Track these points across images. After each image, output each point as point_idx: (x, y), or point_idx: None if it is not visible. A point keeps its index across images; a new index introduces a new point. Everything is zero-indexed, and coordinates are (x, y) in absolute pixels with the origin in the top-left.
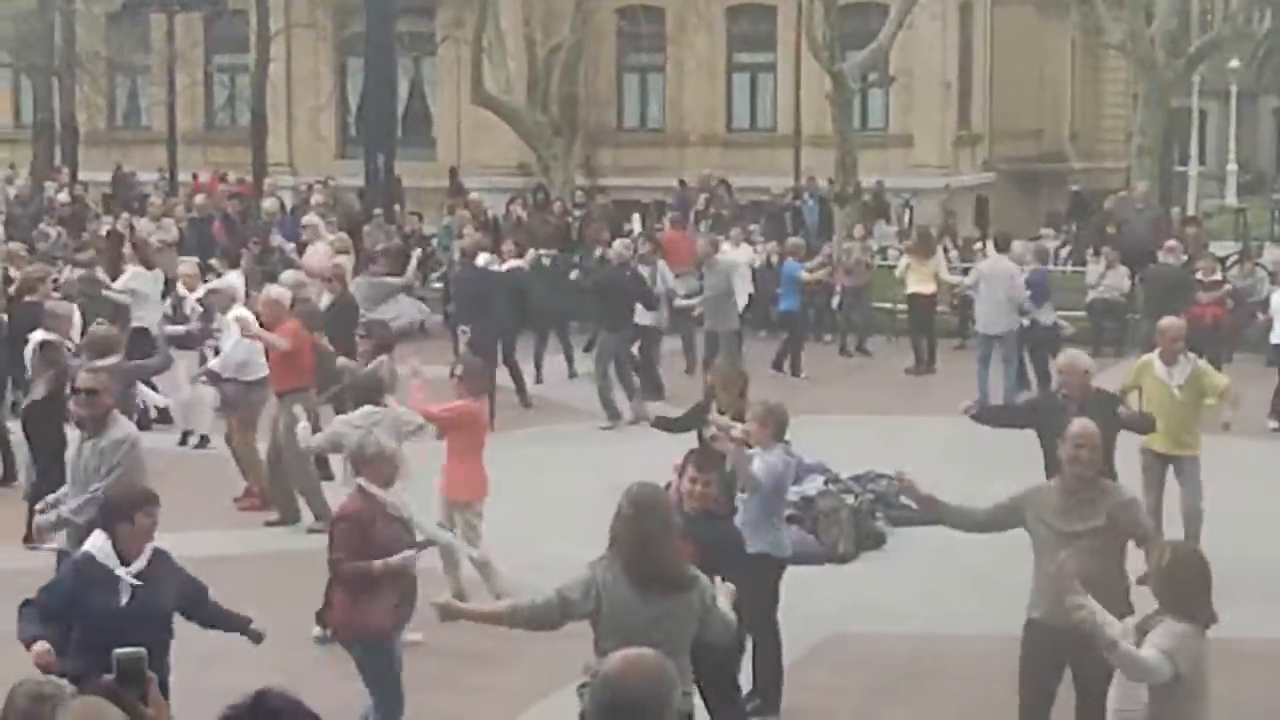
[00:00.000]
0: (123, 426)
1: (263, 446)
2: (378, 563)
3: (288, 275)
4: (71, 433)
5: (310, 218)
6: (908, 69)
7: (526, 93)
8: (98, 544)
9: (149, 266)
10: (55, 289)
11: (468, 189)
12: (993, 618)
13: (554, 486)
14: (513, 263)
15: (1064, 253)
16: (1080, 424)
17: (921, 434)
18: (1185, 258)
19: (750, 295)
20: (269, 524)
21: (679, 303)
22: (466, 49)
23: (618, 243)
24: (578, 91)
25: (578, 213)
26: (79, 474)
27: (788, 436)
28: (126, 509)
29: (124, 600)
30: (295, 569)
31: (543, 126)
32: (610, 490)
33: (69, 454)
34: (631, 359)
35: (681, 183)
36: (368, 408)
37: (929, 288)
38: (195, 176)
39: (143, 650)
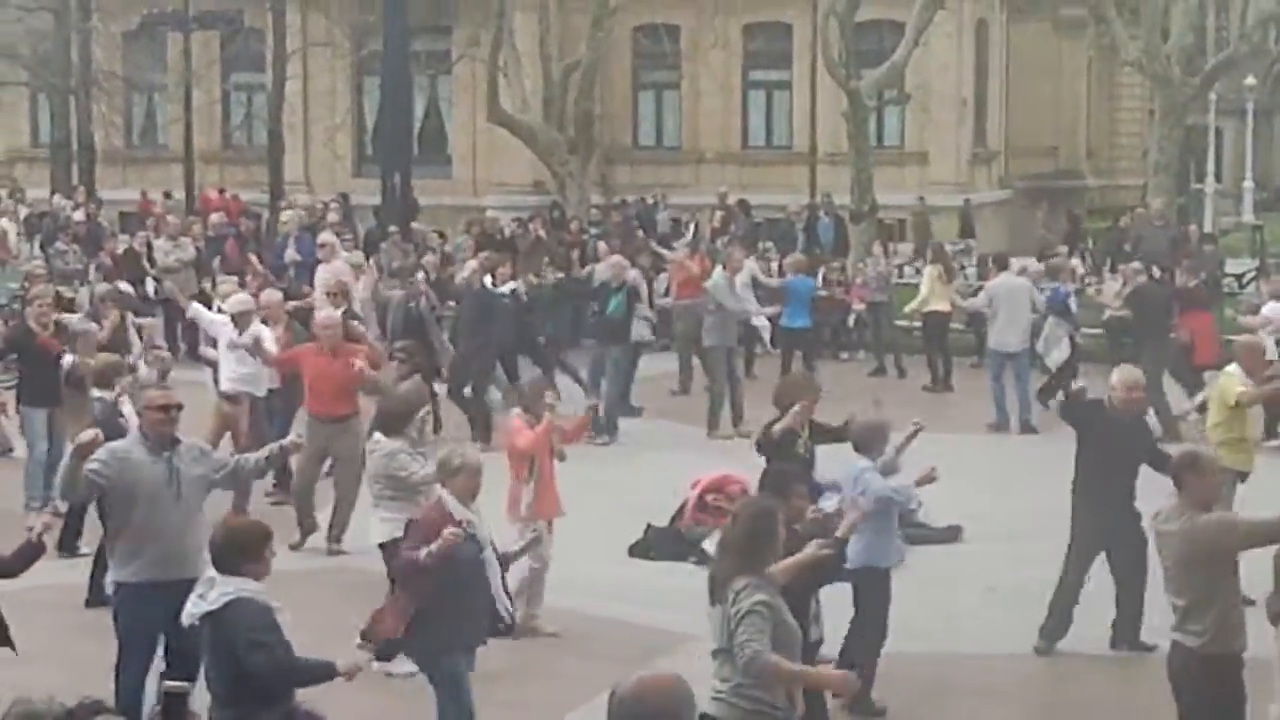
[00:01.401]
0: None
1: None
2: (422, 550)
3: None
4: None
5: (326, 235)
6: (924, 86)
7: (542, 111)
8: (250, 586)
9: None
10: (72, 308)
11: (484, 207)
12: (1012, 636)
13: (571, 506)
14: (511, 284)
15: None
16: None
17: (942, 451)
18: (1203, 276)
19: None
20: (292, 547)
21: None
22: (482, 67)
23: (614, 259)
24: (593, 109)
25: (593, 230)
26: (166, 491)
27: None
28: (258, 547)
29: None
30: (321, 584)
31: (558, 144)
32: (627, 508)
33: (145, 472)
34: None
35: (623, 200)
36: (377, 434)
37: (946, 305)
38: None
39: (189, 685)
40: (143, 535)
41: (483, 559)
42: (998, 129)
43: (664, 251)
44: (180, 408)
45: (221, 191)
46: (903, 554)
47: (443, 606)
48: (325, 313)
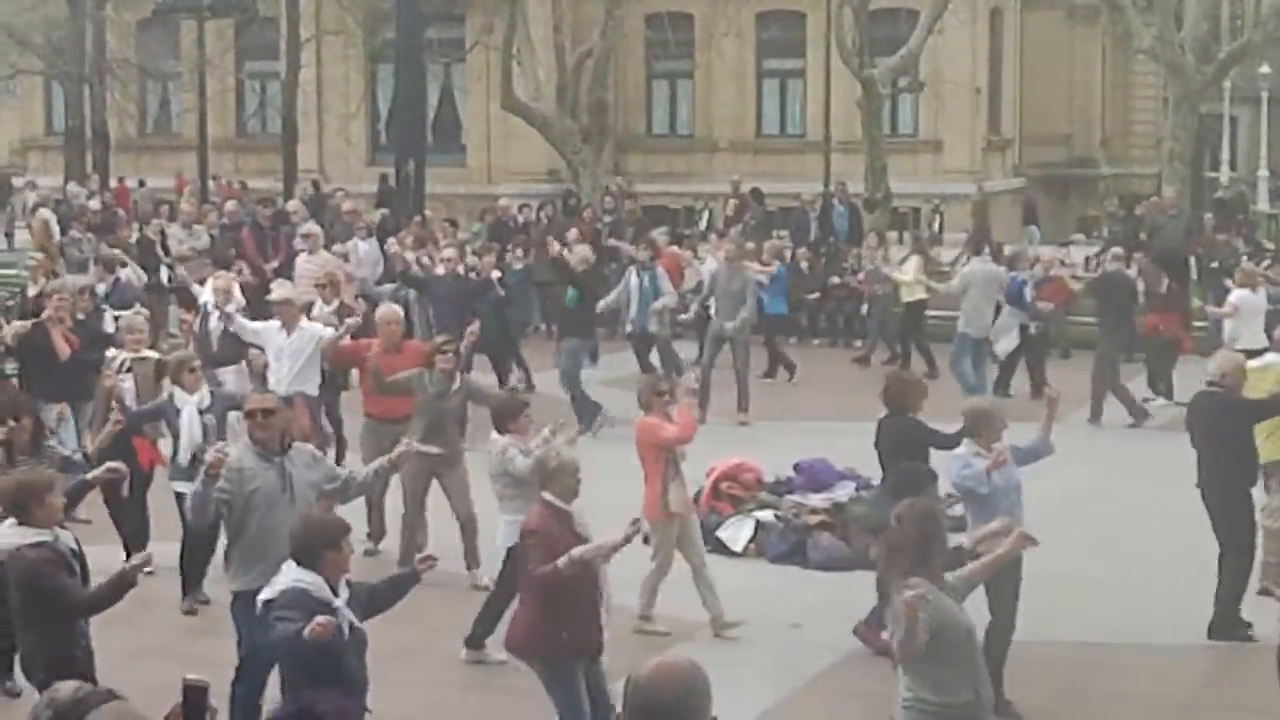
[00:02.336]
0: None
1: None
2: (562, 559)
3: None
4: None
5: (309, 226)
6: (938, 75)
7: (556, 99)
8: (306, 579)
9: None
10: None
11: (498, 195)
12: (1025, 623)
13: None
14: (497, 273)
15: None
16: None
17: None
18: (1215, 264)
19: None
20: (367, 553)
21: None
22: (496, 55)
23: (579, 248)
24: (607, 98)
25: (607, 219)
26: (280, 496)
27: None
28: (335, 536)
29: (347, 634)
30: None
31: (572, 133)
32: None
33: (261, 479)
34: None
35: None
36: (493, 434)
37: (924, 294)
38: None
39: (208, 681)
40: (260, 542)
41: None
42: (1012, 117)
43: (622, 245)
44: (272, 412)
45: (141, 183)
46: None
47: (562, 610)
48: (387, 307)
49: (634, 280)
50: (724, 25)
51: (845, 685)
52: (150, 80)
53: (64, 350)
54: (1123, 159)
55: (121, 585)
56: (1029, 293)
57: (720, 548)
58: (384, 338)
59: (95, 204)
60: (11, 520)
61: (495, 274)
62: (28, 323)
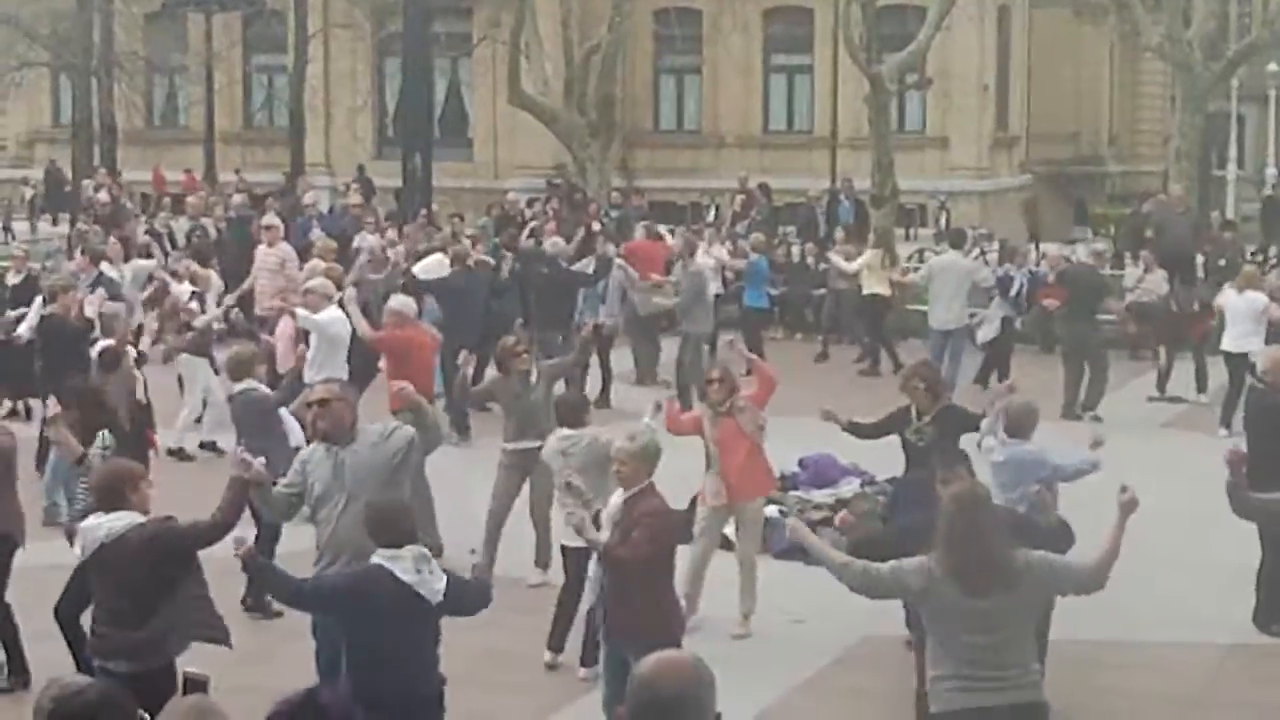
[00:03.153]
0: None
1: None
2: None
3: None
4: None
5: (269, 218)
6: (945, 71)
7: (563, 94)
8: (404, 563)
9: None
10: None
11: (505, 190)
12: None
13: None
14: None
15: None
16: None
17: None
18: (1222, 262)
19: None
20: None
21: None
22: (504, 50)
23: (551, 240)
24: (614, 93)
25: (613, 214)
26: (333, 484)
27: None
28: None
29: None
30: None
31: (579, 127)
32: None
33: (318, 470)
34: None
35: (550, 183)
36: (563, 430)
37: (886, 289)
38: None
39: (208, 675)
40: (320, 532)
41: None
42: (1019, 114)
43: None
44: (327, 402)
45: (189, 172)
46: None
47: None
48: (400, 298)
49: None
50: (731, 21)
51: (849, 681)
52: (157, 73)
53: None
54: (1130, 157)
55: (237, 492)
56: (1017, 287)
57: (725, 543)
58: (420, 330)
59: (104, 196)
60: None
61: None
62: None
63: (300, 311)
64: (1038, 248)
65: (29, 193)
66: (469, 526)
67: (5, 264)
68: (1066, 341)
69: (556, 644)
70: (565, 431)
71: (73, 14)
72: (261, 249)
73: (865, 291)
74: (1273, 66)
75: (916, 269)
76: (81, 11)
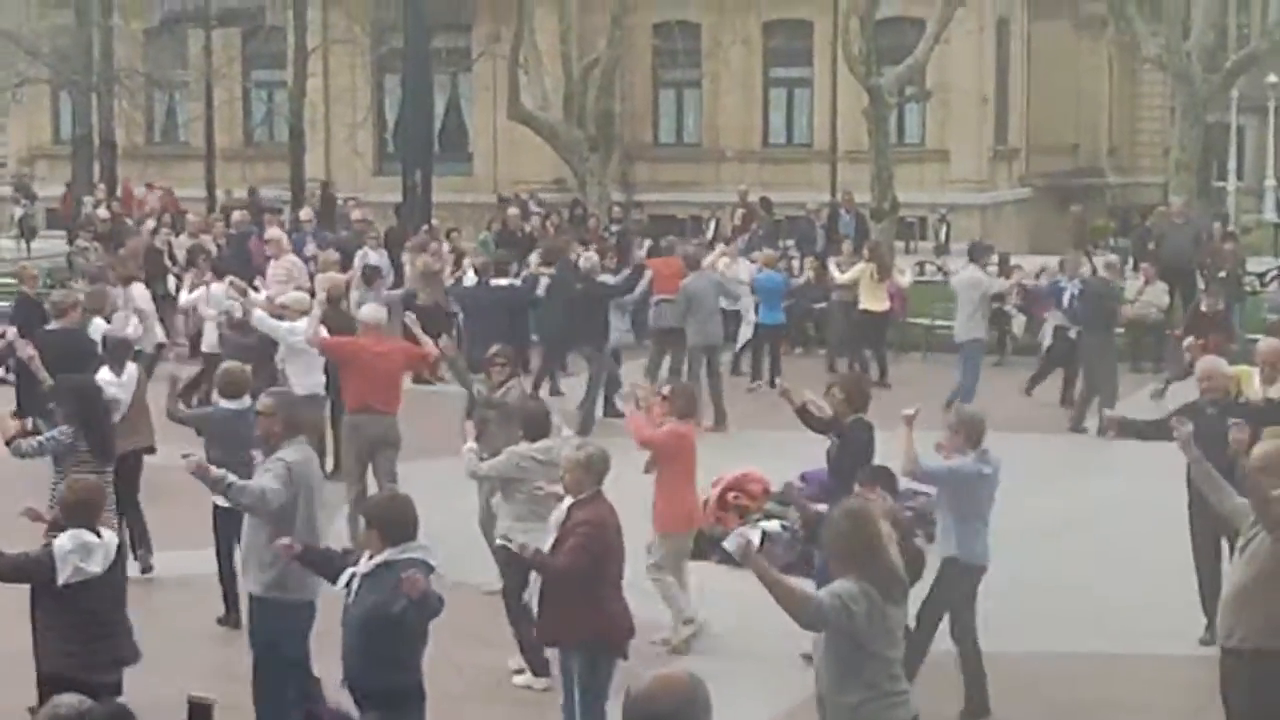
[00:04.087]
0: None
1: None
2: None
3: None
4: None
5: (274, 231)
6: (944, 84)
7: (563, 108)
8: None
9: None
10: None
11: (507, 204)
12: (1033, 634)
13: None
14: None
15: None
16: None
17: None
18: (1223, 274)
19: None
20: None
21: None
22: (503, 65)
23: (585, 255)
24: (614, 107)
25: (614, 228)
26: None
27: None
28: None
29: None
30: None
31: (579, 142)
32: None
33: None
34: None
35: (500, 198)
36: (545, 441)
37: (882, 305)
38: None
39: (214, 699)
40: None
41: None
42: (1018, 126)
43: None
44: (259, 414)
45: (150, 186)
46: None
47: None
48: (370, 307)
49: None
50: (731, 34)
51: None
52: (157, 89)
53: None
54: (1129, 168)
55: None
56: (1066, 299)
57: (726, 558)
58: (370, 337)
59: (103, 213)
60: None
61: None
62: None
63: (256, 313)
64: (1090, 259)
65: (19, 212)
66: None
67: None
68: (1086, 355)
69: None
70: (545, 444)
71: (72, 30)
72: (271, 264)
73: (861, 306)
74: (1272, 77)
75: (921, 279)
76: (81, 28)
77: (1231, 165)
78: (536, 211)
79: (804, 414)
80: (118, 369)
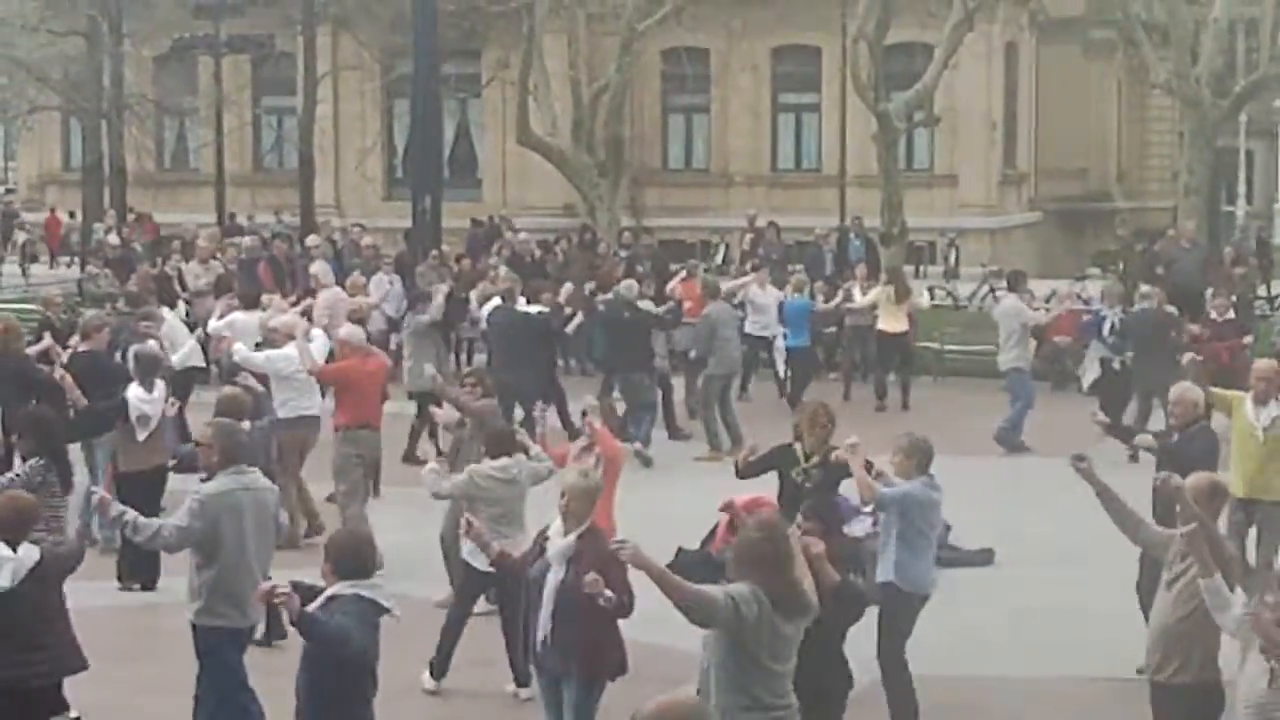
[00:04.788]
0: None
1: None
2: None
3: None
4: None
5: (317, 266)
6: (953, 109)
7: (572, 134)
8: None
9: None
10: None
11: (516, 229)
12: (1039, 659)
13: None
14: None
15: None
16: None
17: (969, 473)
18: (1233, 299)
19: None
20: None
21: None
22: (512, 91)
23: (625, 283)
24: (623, 132)
25: (623, 253)
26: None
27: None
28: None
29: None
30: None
31: (588, 167)
32: (657, 531)
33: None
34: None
35: (474, 221)
36: (505, 460)
37: (902, 326)
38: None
39: None
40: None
41: (543, 577)
42: (1027, 151)
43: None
44: (198, 443)
45: (71, 215)
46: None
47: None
48: (347, 328)
49: None
50: (740, 60)
51: None
52: (167, 116)
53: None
54: (1138, 193)
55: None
56: (1106, 328)
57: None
58: (355, 356)
59: (114, 239)
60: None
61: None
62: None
63: (236, 347)
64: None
65: (22, 237)
66: None
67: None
68: (1146, 383)
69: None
70: (505, 461)
71: (83, 58)
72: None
73: (879, 328)
74: None
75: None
76: (91, 55)
77: (1240, 189)
78: (512, 239)
79: (738, 469)
80: (148, 385)
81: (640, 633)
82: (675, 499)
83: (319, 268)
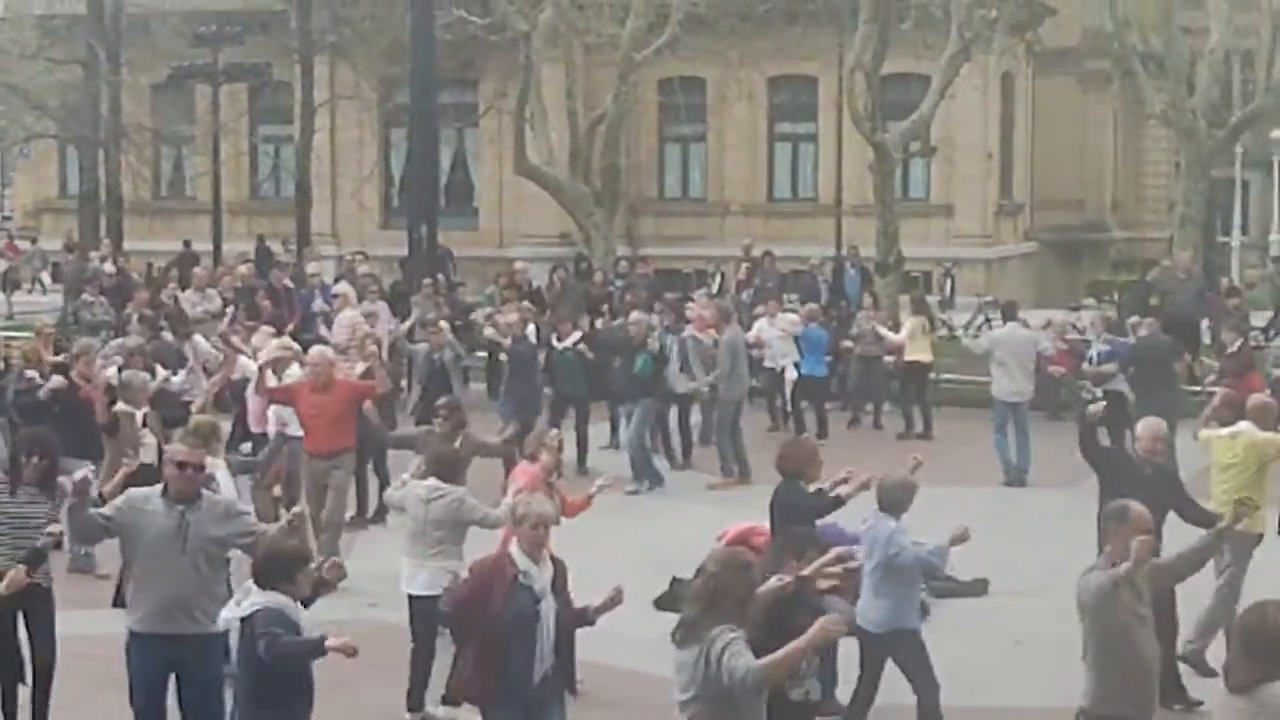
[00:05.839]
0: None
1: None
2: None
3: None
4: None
5: (342, 286)
6: (949, 139)
7: (569, 163)
8: (278, 601)
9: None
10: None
11: (510, 259)
12: (1036, 689)
13: (597, 557)
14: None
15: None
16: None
17: (965, 503)
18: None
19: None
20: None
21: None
22: (509, 120)
23: (636, 315)
24: (619, 161)
25: (619, 283)
26: (171, 544)
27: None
28: (292, 567)
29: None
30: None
31: (585, 196)
32: (653, 560)
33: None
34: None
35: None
36: (434, 481)
37: (928, 355)
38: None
39: None
40: (143, 584)
41: (537, 612)
42: (1023, 182)
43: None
44: (200, 467)
45: (34, 241)
46: (928, 610)
47: (491, 658)
48: (316, 349)
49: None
50: (736, 90)
51: None
52: (164, 144)
53: (102, 411)
54: (1134, 223)
55: None
56: (1095, 354)
57: None
58: (313, 377)
59: (109, 267)
60: None
61: (576, 336)
62: (62, 379)
63: (242, 359)
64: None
65: (3, 265)
66: None
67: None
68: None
69: (416, 703)
70: (435, 482)
71: (80, 85)
72: (342, 316)
73: (908, 358)
74: (1276, 133)
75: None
76: (89, 83)
77: (1236, 220)
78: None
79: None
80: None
81: (628, 661)
82: (674, 528)
83: (343, 287)
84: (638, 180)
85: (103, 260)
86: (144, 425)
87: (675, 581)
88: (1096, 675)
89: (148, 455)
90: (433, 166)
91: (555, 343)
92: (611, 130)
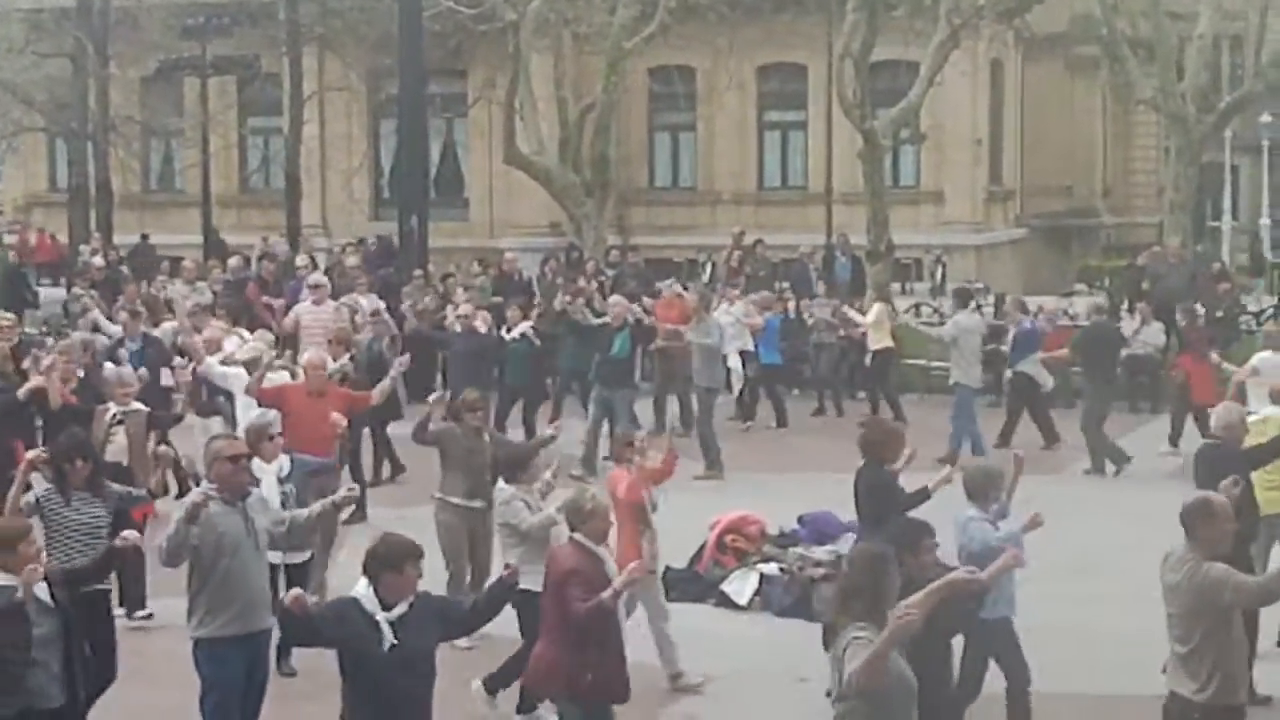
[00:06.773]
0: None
1: None
2: (606, 593)
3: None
4: None
5: (317, 277)
6: (939, 126)
7: (558, 153)
8: (361, 591)
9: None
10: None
11: (500, 249)
12: (1050, 676)
13: None
14: (522, 327)
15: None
16: None
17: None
18: (1220, 314)
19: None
20: None
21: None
22: (499, 110)
23: (614, 299)
24: (609, 151)
25: (610, 272)
26: (246, 541)
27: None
28: (399, 559)
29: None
30: None
31: (575, 186)
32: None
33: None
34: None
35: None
36: (500, 483)
37: (890, 342)
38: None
39: None
40: (227, 588)
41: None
42: (1013, 168)
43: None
44: (250, 457)
45: (41, 231)
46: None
47: (589, 655)
48: (314, 353)
49: None
50: (725, 78)
51: None
52: (154, 137)
53: (56, 402)
54: (1124, 209)
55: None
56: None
57: (725, 601)
58: (309, 382)
59: (99, 261)
60: None
61: (528, 326)
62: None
63: (209, 360)
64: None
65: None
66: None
67: None
68: (1088, 397)
69: (496, 686)
70: (501, 484)
71: (68, 79)
72: (304, 306)
73: (874, 346)
74: (1266, 118)
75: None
76: (77, 76)
77: (1226, 205)
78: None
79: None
80: None
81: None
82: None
83: (319, 279)
84: (628, 169)
85: (93, 254)
86: (117, 422)
87: (668, 570)
88: (1208, 664)
89: (116, 454)
90: (422, 157)
91: (504, 334)
92: (601, 119)
